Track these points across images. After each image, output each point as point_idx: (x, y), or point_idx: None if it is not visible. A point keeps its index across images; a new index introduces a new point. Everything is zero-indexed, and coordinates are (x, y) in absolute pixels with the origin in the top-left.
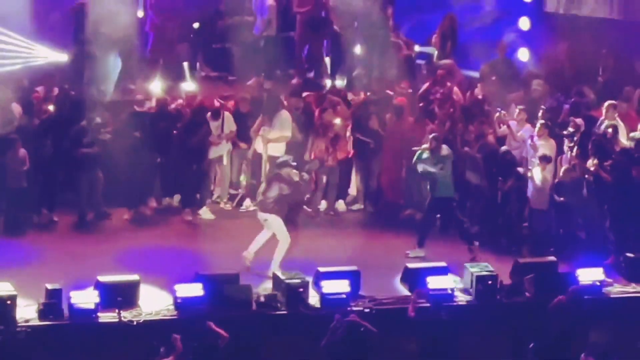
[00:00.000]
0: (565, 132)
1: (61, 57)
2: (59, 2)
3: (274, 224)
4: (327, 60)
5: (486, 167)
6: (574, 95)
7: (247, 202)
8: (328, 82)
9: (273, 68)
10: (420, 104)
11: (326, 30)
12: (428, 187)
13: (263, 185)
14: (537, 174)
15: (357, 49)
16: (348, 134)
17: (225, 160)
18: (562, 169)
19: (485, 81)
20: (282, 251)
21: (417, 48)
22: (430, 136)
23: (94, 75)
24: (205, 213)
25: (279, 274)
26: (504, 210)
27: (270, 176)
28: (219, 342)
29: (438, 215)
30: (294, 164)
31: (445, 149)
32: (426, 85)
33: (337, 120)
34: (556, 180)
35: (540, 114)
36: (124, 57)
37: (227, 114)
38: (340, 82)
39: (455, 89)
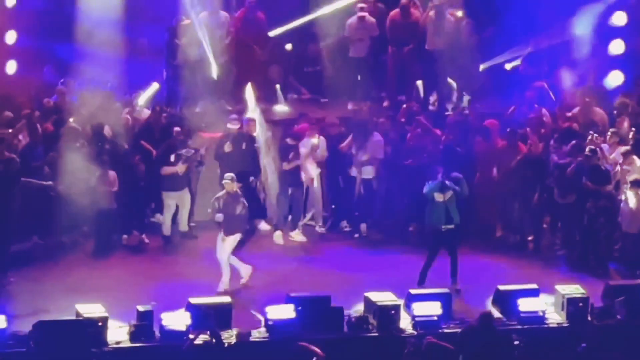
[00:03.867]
0: None
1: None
2: (148, 27)
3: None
4: (420, 83)
5: (577, 181)
6: None
7: (344, 222)
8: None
9: (367, 90)
10: (510, 126)
11: (417, 53)
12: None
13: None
14: (630, 198)
15: (449, 73)
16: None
17: (316, 183)
18: None
19: (577, 104)
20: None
21: (507, 67)
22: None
23: (186, 97)
24: (297, 235)
25: (371, 296)
26: (594, 232)
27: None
28: None
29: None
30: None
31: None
32: (514, 106)
33: (426, 143)
34: None
35: (630, 136)
36: (217, 78)
37: (321, 137)
38: (432, 106)
39: (544, 110)
